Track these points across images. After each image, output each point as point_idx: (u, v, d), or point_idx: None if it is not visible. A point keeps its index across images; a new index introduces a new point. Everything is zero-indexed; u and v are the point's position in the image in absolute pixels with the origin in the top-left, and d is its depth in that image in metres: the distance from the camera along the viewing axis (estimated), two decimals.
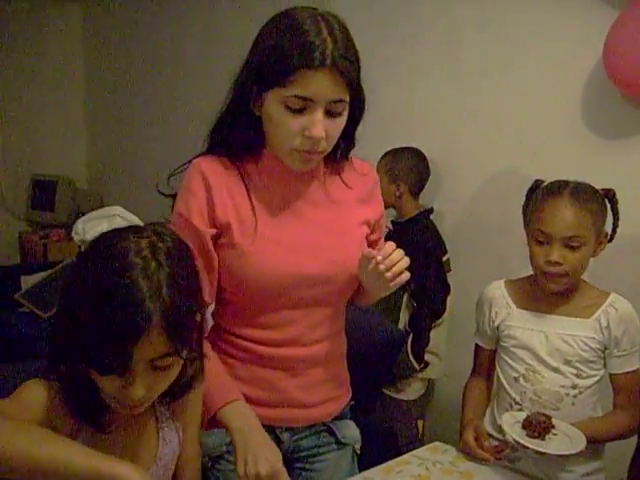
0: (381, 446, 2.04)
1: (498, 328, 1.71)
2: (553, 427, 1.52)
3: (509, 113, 2.47)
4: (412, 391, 2.65)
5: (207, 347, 1.32)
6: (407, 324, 2.53)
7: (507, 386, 1.67)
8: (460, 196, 2.70)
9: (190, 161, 1.39)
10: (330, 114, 1.25)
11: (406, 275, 1.28)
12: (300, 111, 1.23)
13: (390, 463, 1.57)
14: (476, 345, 1.81)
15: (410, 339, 2.50)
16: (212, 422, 1.27)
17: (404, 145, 2.64)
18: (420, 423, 2.73)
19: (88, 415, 1.12)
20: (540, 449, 1.47)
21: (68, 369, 1.11)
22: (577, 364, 1.59)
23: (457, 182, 2.69)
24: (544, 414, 1.54)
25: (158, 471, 1.22)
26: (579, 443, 1.49)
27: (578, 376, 1.60)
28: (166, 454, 1.23)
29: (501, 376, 1.70)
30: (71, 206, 4.74)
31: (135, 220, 1.20)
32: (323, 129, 1.24)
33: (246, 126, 1.33)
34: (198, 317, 1.14)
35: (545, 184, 1.66)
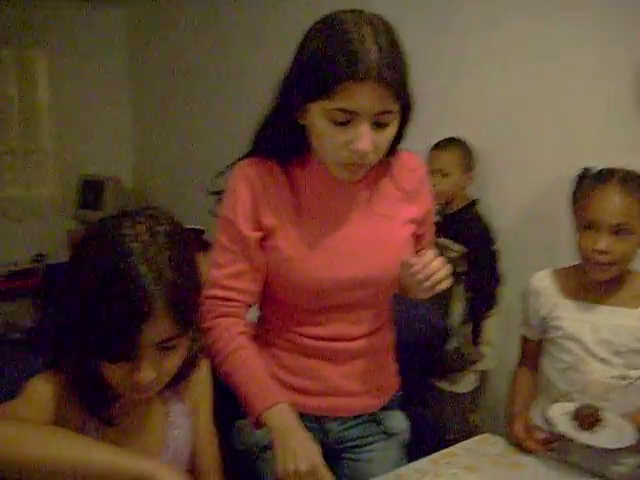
0: (431, 438, 2.03)
1: (544, 319, 1.69)
2: (602, 419, 1.49)
3: (555, 103, 2.43)
4: (466, 384, 2.63)
5: (243, 339, 1.34)
6: (463, 315, 2.50)
7: (555, 378, 1.65)
8: (505, 186, 2.67)
9: (236, 162, 1.38)
10: (378, 125, 1.21)
11: (446, 283, 1.26)
12: (345, 124, 1.19)
13: (438, 454, 1.56)
14: (522, 336, 1.79)
15: (470, 330, 2.48)
16: (256, 424, 1.26)
17: (447, 136, 2.63)
18: (472, 416, 2.71)
19: (96, 407, 1.12)
20: (590, 442, 1.45)
21: (74, 361, 1.10)
22: (627, 355, 1.56)
23: (503, 172, 2.66)
24: (593, 406, 1.52)
25: (168, 457, 1.21)
26: (629, 436, 1.46)
27: (628, 367, 1.57)
28: (176, 439, 1.23)
29: (548, 367, 1.68)
30: (118, 205, 4.81)
31: None
32: (370, 142, 1.20)
33: (290, 134, 1.31)
34: (199, 298, 1.15)
35: (593, 172, 1.63)
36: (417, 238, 1.48)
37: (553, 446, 1.57)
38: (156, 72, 4.82)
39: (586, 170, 1.65)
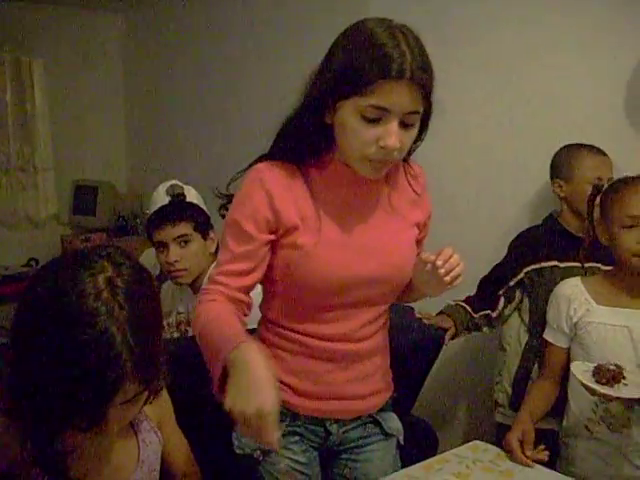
0: (420, 443, 2.05)
1: (576, 325, 1.71)
2: (624, 377, 1.51)
3: (550, 110, 2.46)
4: None
5: (230, 311, 1.32)
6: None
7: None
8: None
9: (252, 164, 1.41)
10: (404, 125, 1.26)
11: (460, 280, 1.30)
12: (376, 121, 1.25)
13: (430, 460, 1.59)
14: (548, 343, 1.80)
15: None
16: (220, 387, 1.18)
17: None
18: None
19: (50, 464, 1.06)
20: (608, 392, 1.47)
21: (29, 427, 1.04)
22: None
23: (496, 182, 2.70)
24: (617, 364, 1.53)
25: (143, 473, 1.21)
26: None
27: None
28: (148, 456, 1.24)
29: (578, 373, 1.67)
30: (112, 211, 4.82)
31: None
32: (398, 139, 1.25)
33: (317, 134, 1.35)
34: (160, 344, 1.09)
35: (615, 179, 1.69)
36: (417, 242, 1.53)
37: (544, 460, 1.59)
38: (151, 78, 4.84)
39: (616, 180, 1.70)
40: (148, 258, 4.28)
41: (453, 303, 2.33)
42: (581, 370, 1.55)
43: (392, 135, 1.25)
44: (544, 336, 1.82)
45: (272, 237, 1.37)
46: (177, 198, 2.25)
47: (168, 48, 4.57)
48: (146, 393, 1.08)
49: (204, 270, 2.21)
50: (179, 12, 4.41)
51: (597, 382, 1.50)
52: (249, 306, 1.42)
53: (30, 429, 1.04)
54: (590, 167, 2.16)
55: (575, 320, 1.71)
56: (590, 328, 1.67)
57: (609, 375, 1.50)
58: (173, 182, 2.30)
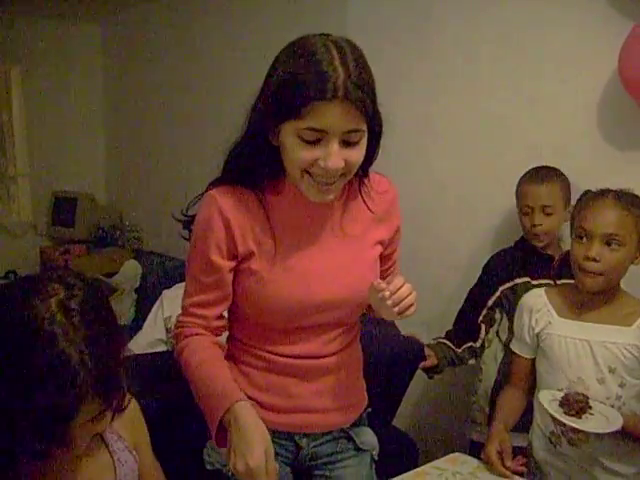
0: (400, 455, 2.04)
1: (538, 336, 1.71)
2: (590, 407, 1.53)
3: (524, 124, 2.47)
4: None
5: (215, 350, 1.38)
6: None
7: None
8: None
9: (206, 191, 1.39)
10: (347, 144, 1.23)
11: (412, 310, 1.29)
12: (315, 143, 1.22)
13: (409, 474, 1.58)
14: (513, 353, 1.81)
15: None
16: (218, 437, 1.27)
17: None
18: None
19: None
20: (577, 426, 1.49)
21: None
22: (621, 372, 1.59)
23: (470, 198, 2.70)
24: (582, 394, 1.56)
25: None
26: (616, 422, 1.50)
27: (621, 385, 1.59)
28: (126, 474, 1.24)
29: (543, 387, 1.69)
30: (91, 222, 4.79)
31: None
32: (340, 160, 1.22)
33: (265, 156, 1.32)
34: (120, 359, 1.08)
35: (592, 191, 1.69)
36: (385, 257, 1.51)
37: (523, 471, 1.59)
38: (130, 89, 4.82)
39: (587, 191, 1.71)
40: (129, 269, 4.29)
41: (434, 342, 2.33)
42: (548, 399, 1.57)
43: (332, 156, 1.21)
44: (510, 346, 1.84)
45: (234, 263, 1.37)
46: None
47: (147, 59, 4.56)
48: (110, 409, 1.08)
49: None
50: (157, 22, 4.40)
51: (565, 413, 1.52)
52: (225, 327, 1.46)
53: None
54: (522, 194, 2.20)
55: (537, 331, 1.72)
56: (551, 341, 1.68)
57: (577, 407, 1.52)
58: None
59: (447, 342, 2.32)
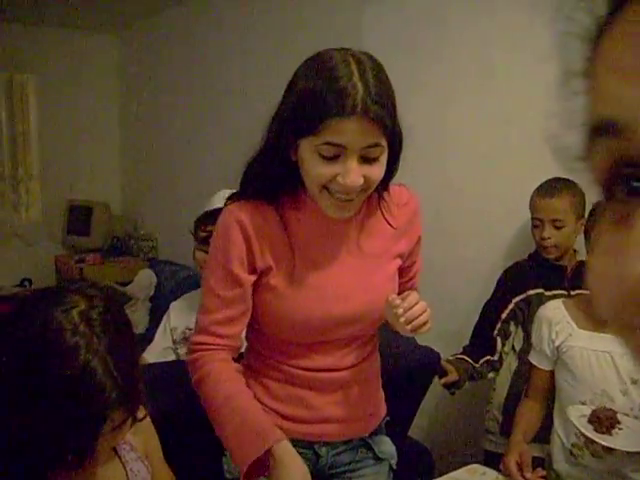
0: (416, 466, 2.03)
1: (559, 349, 1.70)
2: (619, 422, 1.51)
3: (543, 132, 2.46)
4: None
5: (241, 381, 1.36)
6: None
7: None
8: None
9: (225, 206, 1.39)
10: (366, 160, 1.22)
11: (426, 328, 1.29)
12: (334, 159, 1.21)
13: None
14: (532, 365, 1.80)
15: None
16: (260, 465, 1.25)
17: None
18: None
19: None
20: (612, 445, 1.47)
21: (11, 468, 1.02)
22: None
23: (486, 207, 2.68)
24: (610, 409, 1.53)
25: None
26: None
27: None
28: None
29: (565, 399, 1.67)
30: (106, 231, 4.81)
31: None
32: (359, 176, 1.21)
33: (283, 171, 1.31)
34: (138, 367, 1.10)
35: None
36: (405, 269, 1.50)
37: None
38: (145, 99, 4.85)
39: (597, 203, 1.69)
40: (144, 278, 4.30)
41: (452, 358, 2.32)
42: (577, 416, 1.55)
43: (350, 173, 1.20)
44: (529, 358, 1.83)
45: (255, 277, 1.37)
46: None
47: (163, 68, 4.59)
48: (131, 418, 1.08)
49: None
50: (173, 31, 4.44)
51: (596, 430, 1.50)
52: (240, 347, 1.44)
53: (15, 471, 1.03)
54: (533, 207, 2.19)
55: (557, 344, 1.70)
56: (573, 353, 1.66)
57: (607, 423, 1.50)
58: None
59: (465, 357, 2.31)
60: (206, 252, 2.27)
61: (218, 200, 2.33)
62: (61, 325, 0.98)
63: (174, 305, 2.73)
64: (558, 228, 2.11)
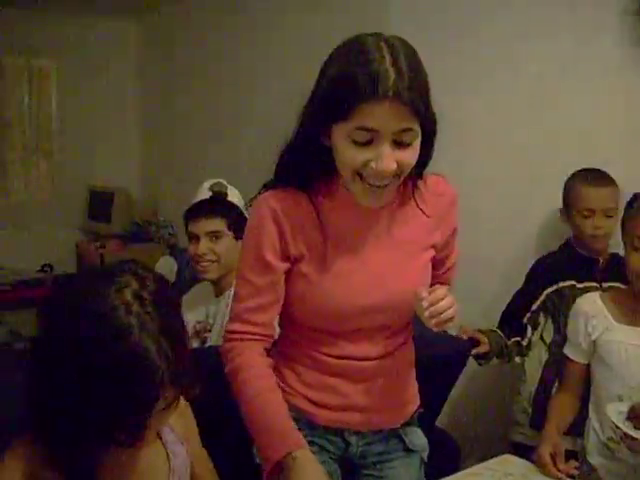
0: (441, 456, 2.01)
1: (595, 343, 1.68)
2: None
3: (575, 125, 2.42)
4: None
5: (271, 379, 1.36)
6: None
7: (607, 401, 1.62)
8: None
9: (259, 194, 1.39)
10: (399, 145, 1.21)
11: (452, 324, 1.27)
12: (366, 144, 1.20)
13: (461, 474, 1.56)
14: (567, 358, 1.78)
15: None
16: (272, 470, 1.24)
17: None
18: None
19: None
20: None
21: (67, 448, 1.03)
22: None
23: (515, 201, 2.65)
24: None
25: None
26: None
27: None
28: (179, 467, 1.25)
29: (601, 393, 1.66)
30: (127, 217, 4.82)
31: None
32: (392, 161, 1.20)
33: (317, 157, 1.31)
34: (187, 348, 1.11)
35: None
36: (438, 261, 1.49)
37: (575, 474, 1.56)
38: (165, 84, 4.84)
39: (636, 195, 1.66)
40: (164, 265, 4.29)
41: (485, 329, 2.29)
42: (616, 413, 1.51)
43: (383, 157, 1.19)
44: (564, 350, 1.81)
45: (288, 265, 1.36)
46: (218, 195, 2.29)
47: (183, 53, 4.58)
48: (179, 398, 1.10)
49: (230, 270, 2.22)
50: (193, 16, 4.41)
51: (636, 427, 1.46)
52: (274, 336, 1.44)
53: (68, 450, 1.04)
54: (581, 198, 2.13)
55: (594, 338, 1.69)
56: (610, 347, 1.65)
57: None
58: (219, 180, 2.37)
59: (498, 331, 2.28)
60: (193, 244, 2.30)
61: (203, 192, 2.34)
62: (114, 304, 0.99)
63: (185, 299, 2.67)
64: (609, 217, 2.07)
